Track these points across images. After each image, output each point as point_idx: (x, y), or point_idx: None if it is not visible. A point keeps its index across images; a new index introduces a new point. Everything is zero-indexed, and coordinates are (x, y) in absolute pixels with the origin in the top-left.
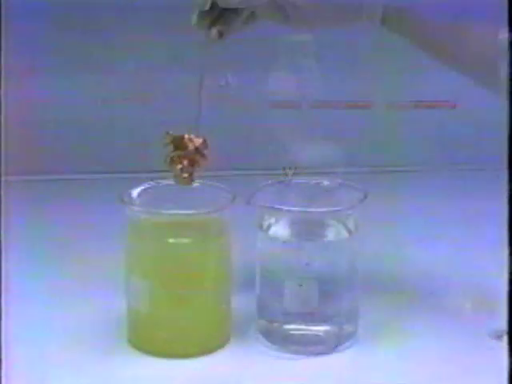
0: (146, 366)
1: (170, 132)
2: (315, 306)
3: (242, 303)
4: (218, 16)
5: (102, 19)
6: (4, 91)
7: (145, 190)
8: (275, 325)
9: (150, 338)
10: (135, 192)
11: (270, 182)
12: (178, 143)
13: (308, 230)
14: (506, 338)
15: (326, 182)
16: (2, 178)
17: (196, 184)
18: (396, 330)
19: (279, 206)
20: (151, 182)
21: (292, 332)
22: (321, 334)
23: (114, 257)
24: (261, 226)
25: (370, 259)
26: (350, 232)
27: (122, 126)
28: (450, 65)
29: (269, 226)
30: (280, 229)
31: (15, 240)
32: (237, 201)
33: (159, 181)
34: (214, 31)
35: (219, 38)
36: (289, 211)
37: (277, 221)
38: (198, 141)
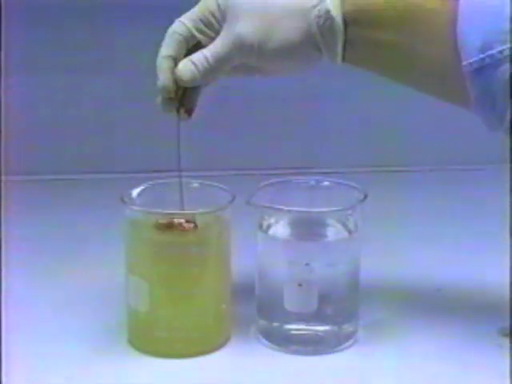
0: (145, 366)
1: (160, 220)
2: (315, 306)
3: (242, 303)
4: (182, 95)
5: (102, 19)
6: (4, 91)
7: (145, 189)
8: (275, 325)
9: (149, 338)
10: (135, 192)
11: (269, 181)
12: (169, 229)
13: (308, 229)
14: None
15: (326, 182)
16: (2, 178)
17: (196, 184)
18: (396, 330)
19: (279, 206)
20: (151, 182)
21: (292, 332)
22: (321, 333)
23: (114, 257)
24: (261, 226)
25: (370, 259)
26: (350, 232)
27: (122, 126)
28: (414, 86)
29: (269, 226)
30: (280, 229)
31: (15, 240)
32: (237, 201)
33: (159, 181)
34: (183, 112)
35: (189, 117)
36: (289, 211)
37: (277, 221)
38: (188, 225)
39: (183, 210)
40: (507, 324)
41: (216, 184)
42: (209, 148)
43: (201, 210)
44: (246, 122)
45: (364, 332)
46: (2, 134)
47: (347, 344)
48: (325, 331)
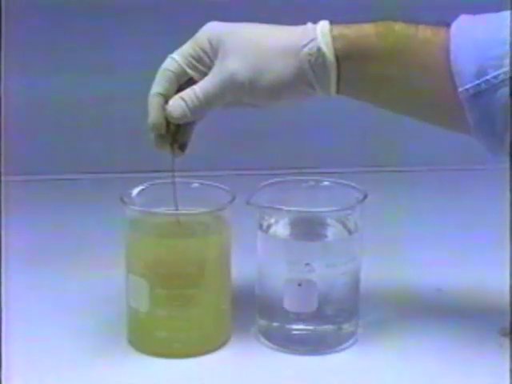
0: (145, 366)
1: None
2: (315, 306)
3: (242, 303)
4: (175, 130)
5: (102, 19)
6: (4, 91)
7: (145, 189)
8: (275, 325)
9: (149, 338)
10: (135, 192)
11: (269, 182)
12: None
13: (308, 230)
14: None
15: (325, 182)
16: (2, 178)
17: (196, 184)
18: (396, 330)
19: (279, 206)
20: (151, 182)
21: (292, 332)
22: (321, 333)
23: (114, 256)
24: (261, 226)
25: (370, 259)
26: (350, 232)
27: (122, 125)
28: (411, 115)
29: (269, 226)
30: (280, 229)
31: (15, 240)
32: (237, 201)
33: (159, 180)
34: (176, 147)
35: (182, 152)
36: (289, 211)
37: (277, 221)
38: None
39: (177, 209)
40: (507, 324)
41: (216, 184)
42: (209, 148)
43: (201, 210)
44: (245, 121)
45: (364, 332)
46: (2, 133)
47: (347, 344)
48: (325, 331)
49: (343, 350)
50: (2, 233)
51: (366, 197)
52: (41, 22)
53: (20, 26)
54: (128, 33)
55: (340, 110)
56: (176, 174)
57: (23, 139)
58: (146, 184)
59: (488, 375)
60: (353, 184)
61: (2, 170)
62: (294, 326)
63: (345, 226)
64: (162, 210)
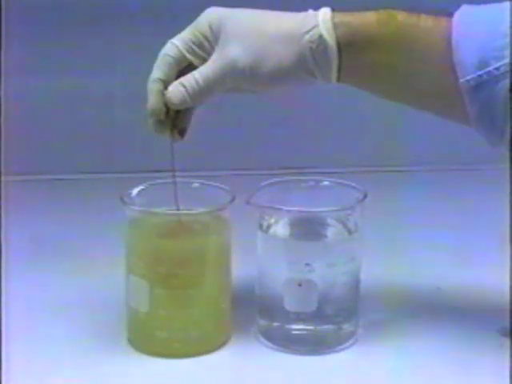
0: (145, 366)
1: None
2: (315, 306)
3: (242, 303)
4: (174, 116)
5: (102, 19)
6: (4, 91)
7: (145, 189)
8: (275, 325)
9: (149, 338)
10: (135, 192)
11: (269, 181)
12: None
13: (308, 230)
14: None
15: (326, 182)
16: (2, 178)
17: (196, 184)
18: (396, 330)
19: (279, 206)
20: (151, 182)
21: (292, 332)
22: (321, 333)
23: (114, 256)
24: (261, 226)
25: (370, 259)
26: (350, 232)
27: (122, 126)
28: (412, 105)
29: (269, 226)
30: (280, 229)
31: (15, 240)
32: (237, 201)
33: (159, 180)
34: (176, 133)
35: (182, 137)
36: (289, 211)
37: (277, 221)
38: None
39: (178, 209)
40: (507, 324)
41: (216, 184)
42: (209, 148)
43: (201, 210)
44: (246, 121)
45: (364, 332)
46: (2, 133)
47: (347, 344)
48: (325, 331)
49: (343, 349)
50: (2, 233)
51: (365, 197)
52: (41, 22)
53: (20, 26)
54: (128, 33)
55: (340, 109)
56: (176, 173)
57: (23, 139)
58: (145, 184)
59: (488, 375)
60: (353, 184)
61: (2, 170)
62: (294, 326)
63: (345, 225)
64: (162, 209)
